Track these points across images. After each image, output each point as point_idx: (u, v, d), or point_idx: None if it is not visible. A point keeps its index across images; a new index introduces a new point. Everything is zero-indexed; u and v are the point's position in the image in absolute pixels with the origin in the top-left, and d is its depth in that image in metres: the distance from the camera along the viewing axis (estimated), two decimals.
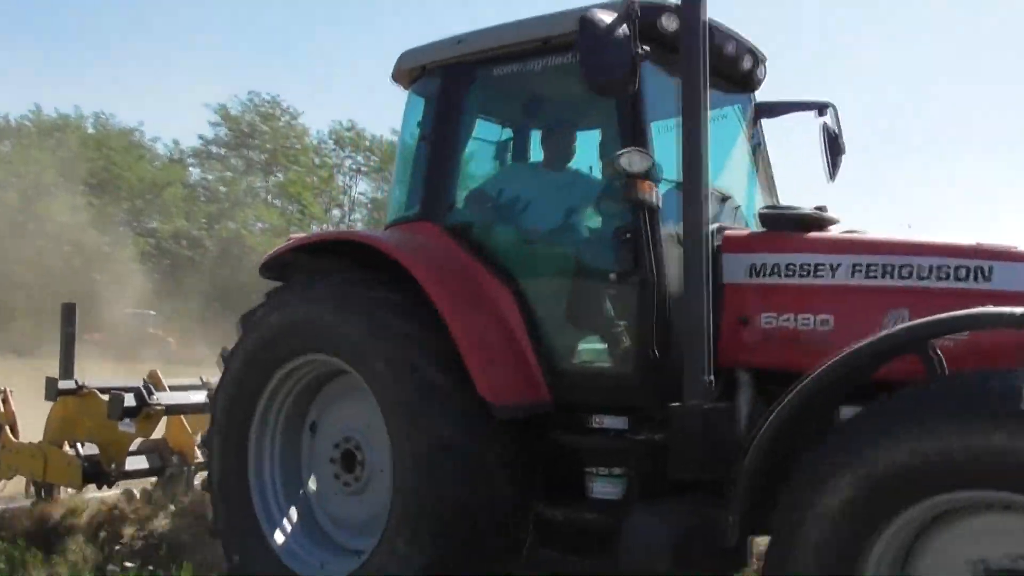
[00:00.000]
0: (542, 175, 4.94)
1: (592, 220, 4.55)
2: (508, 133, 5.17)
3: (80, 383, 6.19)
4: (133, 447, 6.12)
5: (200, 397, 6.10)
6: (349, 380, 4.94)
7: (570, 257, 4.52)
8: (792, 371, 3.95)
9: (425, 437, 4.14)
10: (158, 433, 6.28)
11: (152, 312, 39.76)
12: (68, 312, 6.81)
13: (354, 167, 60.59)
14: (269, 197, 56.78)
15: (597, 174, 4.82)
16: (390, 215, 5.32)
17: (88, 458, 5.84)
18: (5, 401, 6.51)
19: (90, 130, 51.72)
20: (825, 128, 5.36)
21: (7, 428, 6.43)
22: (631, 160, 3.83)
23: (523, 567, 4.20)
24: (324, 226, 59.44)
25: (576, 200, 4.61)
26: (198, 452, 6.18)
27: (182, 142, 57.05)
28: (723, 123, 5.12)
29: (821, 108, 5.32)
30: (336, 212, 60.81)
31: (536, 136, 5.14)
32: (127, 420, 5.73)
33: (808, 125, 5.44)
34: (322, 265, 5.02)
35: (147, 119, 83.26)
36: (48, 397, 6.21)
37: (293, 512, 5.05)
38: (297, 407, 5.10)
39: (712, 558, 3.76)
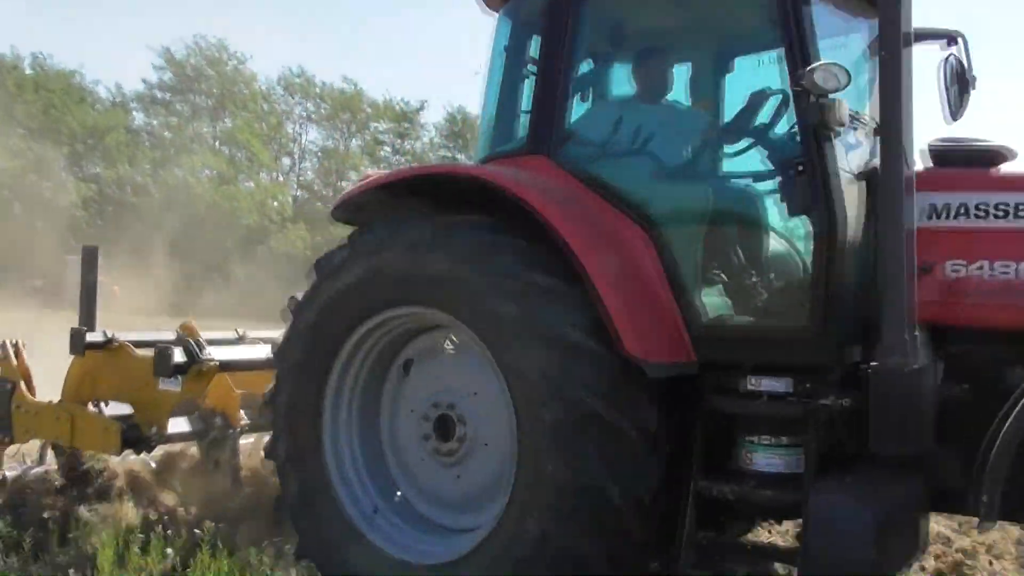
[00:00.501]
0: (677, 105, 4.33)
1: (749, 153, 3.98)
2: (629, 56, 4.54)
3: (110, 335, 5.45)
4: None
5: (254, 352, 5.41)
6: (442, 337, 4.37)
7: (719, 196, 3.95)
8: (986, 328, 3.51)
9: (562, 406, 3.56)
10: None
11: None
12: (90, 257, 6.02)
13: (304, 114, 58.78)
14: (216, 144, 54.79)
15: (741, 103, 4.23)
16: (481, 150, 4.66)
17: (126, 421, 5.13)
18: (18, 354, 5.74)
19: (27, 71, 49.06)
20: (951, 61, 4.84)
21: (22, 385, 5.66)
22: (825, 76, 3.29)
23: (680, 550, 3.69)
24: (274, 174, 57.90)
25: (723, 132, 4.06)
26: (242, 414, 5.52)
27: (125, 86, 54.76)
28: (846, 51, 4.59)
29: (950, 38, 4.80)
30: (286, 160, 59.15)
31: (665, 62, 4.50)
32: (171, 378, 5.04)
33: (927, 55, 4.94)
34: (406, 206, 4.39)
35: (87, 62, 79.79)
36: (74, 351, 5.44)
37: (376, 483, 4.48)
38: (381, 364, 4.50)
39: (904, 543, 3.34)
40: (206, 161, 52.63)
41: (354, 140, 59.63)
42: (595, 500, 3.56)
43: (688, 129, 4.16)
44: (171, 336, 6.16)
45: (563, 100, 4.22)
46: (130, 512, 5.13)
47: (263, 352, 5.34)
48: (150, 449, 5.25)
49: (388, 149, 59.78)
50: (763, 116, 3.85)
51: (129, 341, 5.46)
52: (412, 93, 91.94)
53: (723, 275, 3.92)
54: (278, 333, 6.72)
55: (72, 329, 5.48)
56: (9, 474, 5.73)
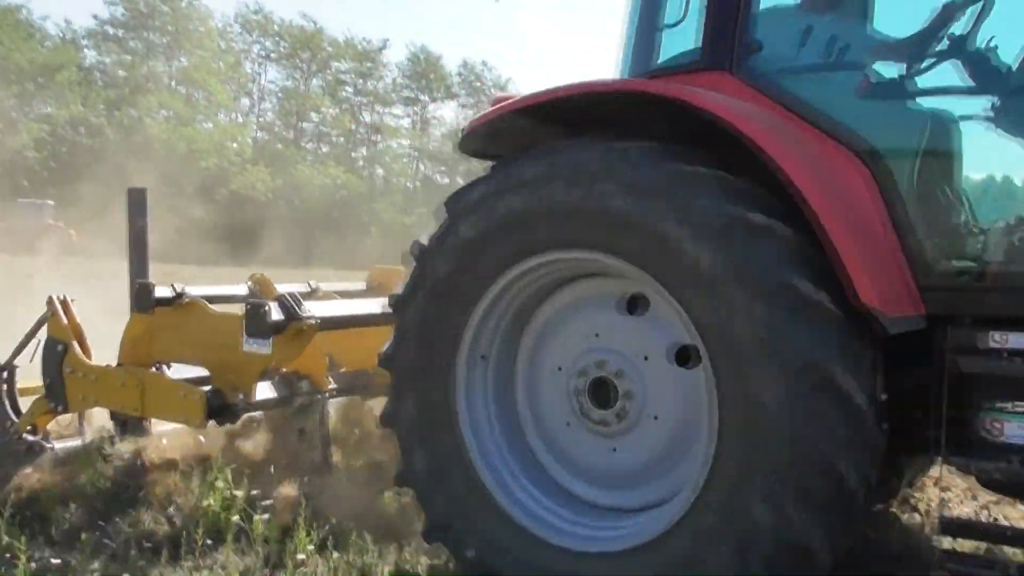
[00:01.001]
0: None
1: (991, 69, 3.38)
2: None
3: (179, 289, 4.73)
4: None
5: (355, 308, 4.73)
6: (599, 288, 3.76)
7: (948, 119, 3.37)
8: None
9: (785, 371, 2.94)
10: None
11: (50, 202, 36.74)
12: (138, 199, 5.26)
13: (262, 53, 56.69)
14: (173, 83, 52.64)
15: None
16: (634, 63, 3.97)
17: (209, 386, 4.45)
18: (67, 311, 4.99)
19: None
20: None
21: (75, 346, 4.94)
22: None
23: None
24: (233, 115, 55.97)
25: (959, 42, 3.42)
26: (330, 377, 4.88)
27: (75, 22, 52.18)
28: None
29: None
30: (245, 101, 57.17)
31: None
32: (260, 339, 4.37)
33: None
34: (549, 134, 3.74)
35: None
36: (141, 308, 4.71)
37: (516, 454, 3.90)
38: (523, 317, 3.89)
39: None
40: (162, 101, 50.71)
41: (315, 80, 57.84)
42: (825, 482, 2.97)
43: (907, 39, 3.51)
44: (241, 290, 5.48)
45: (748, 2, 3.57)
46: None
47: (365, 307, 4.66)
48: (235, 419, 4.59)
49: (350, 89, 58.12)
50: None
51: (203, 296, 4.75)
52: (374, 32, 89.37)
53: (958, 213, 3.36)
54: (349, 285, 6.12)
55: (139, 283, 4.73)
56: (61, 446, 5.04)
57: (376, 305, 4.67)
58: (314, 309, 4.34)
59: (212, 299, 4.79)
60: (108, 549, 4.11)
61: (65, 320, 4.96)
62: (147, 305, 4.66)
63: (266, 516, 4.16)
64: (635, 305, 3.64)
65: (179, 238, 36.15)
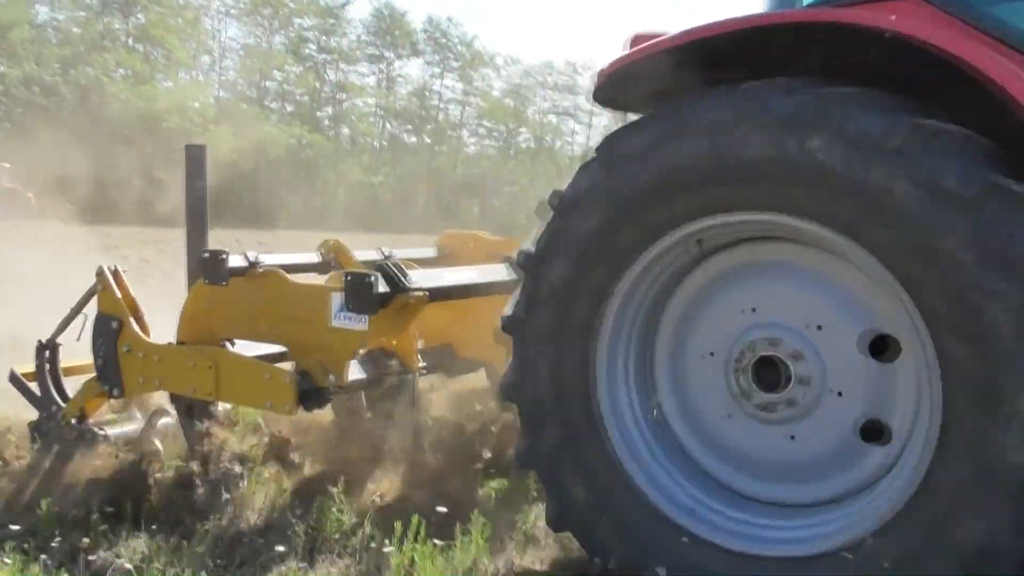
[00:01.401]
0: None
1: None
2: None
3: (252, 258, 4.21)
4: None
5: (462, 276, 4.23)
6: (758, 254, 3.34)
7: None
8: None
9: None
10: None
11: (6, 165, 35.44)
12: (196, 158, 4.69)
13: (223, 9, 54.81)
14: (130, 41, 50.64)
15: None
16: None
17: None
18: (120, 283, 4.45)
19: None
20: None
21: (131, 322, 4.42)
22: None
23: None
24: (194, 74, 54.23)
25: None
26: (419, 356, 4.42)
27: None
28: None
29: None
30: (206, 59, 55.37)
31: None
32: (355, 313, 3.88)
33: None
34: (694, 80, 3.30)
35: None
36: (213, 279, 4.18)
37: (661, 439, 3.51)
38: (671, 286, 3.48)
39: None
40: (119, 59, 48.86)
41: (277, 37, 56.19)
42: None
43: None
44: (311, 258, 4.99)
45: None
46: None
47: (469, 276, 4.19)
48: (324, 404, 4.12)
49: (313, 47, 56.59)
50: None
51: (279, 265, 4.25)
52: None
53: None
54: (417, 252, 5.62)
55: (209, 252, 4.20)
56: (116, 432, 4.54)
57: (472, 273, 4.23)
58: (421, 280, 3.85)
59: (297, 268, 4.31)
60: (187, 550, 3.67)
61: (119, 293, 4.44)
62: (220, 276, 4.14)
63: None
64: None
65: (141, 200, 35.18)
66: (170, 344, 4.34)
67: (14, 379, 4.87)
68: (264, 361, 4.10)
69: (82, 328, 4.71)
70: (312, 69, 55.87)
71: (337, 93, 57.76)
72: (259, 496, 4.05)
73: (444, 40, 59.45)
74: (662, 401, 3.52)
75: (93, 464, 4.32)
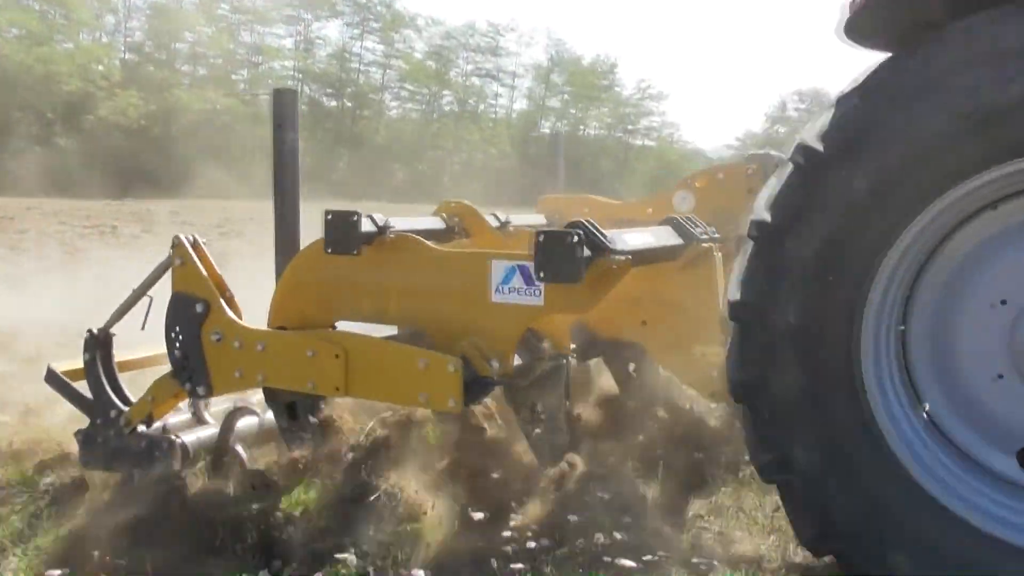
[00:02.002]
0: None
1: None
2: None
3: (381, 222, 3.41)
4: None
5: (657, 238, 3.49)
6: None
7: None
8: None
9: None
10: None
11: None
12: (288, 105, 3.80)
13: None
14: None
15: None
16: None
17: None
18: (203, 258, 3.60)
19: None
20: None
21: (222, 304, 3.59)
22: None
23: None
24: (97, 35, 51.13)
25: None
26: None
27: None
28: None
29: None
30: (110, 19, 52.18)
31: None
32: (528, 285, 3.16)
33: None
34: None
35: None
36: (341, 247, 3.36)
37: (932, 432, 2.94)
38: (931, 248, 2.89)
39: None
40: (13, 19, 45.65)
41: None
42: None
43: None
44: (435, 223, 4.23)
45: None
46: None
47: (651, 239, 3.47)
48: (483, 397, 3.40)
49: (226, 7, 53.95)
50: None
51: (411, 230, 3.47)
52: None
53: None
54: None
55: (334, 213, 3.36)
56: (191, 438, 3.74)
57: (650, 237, 3.53)
58: (621, 241, 3.13)
59: (431, 233, 3.56)
60: None
61: (203, 269, 3.61)
62: (350, 243, 3.34)
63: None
64: None
65: (41, 169, 32.87)
66: (280, 330, 3.54)
67: (53, 379, 3.98)
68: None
69: (147, 313, 3.87)
70: (226, 31, 53.25)
71: (253, 56, 55.32)
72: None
73: (364, 1, 57.45)
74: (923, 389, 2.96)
75: (174, 485, 3.51)
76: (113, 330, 3.92)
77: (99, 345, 3.91)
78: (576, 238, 2.95)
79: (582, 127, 63.35)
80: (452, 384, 3.14)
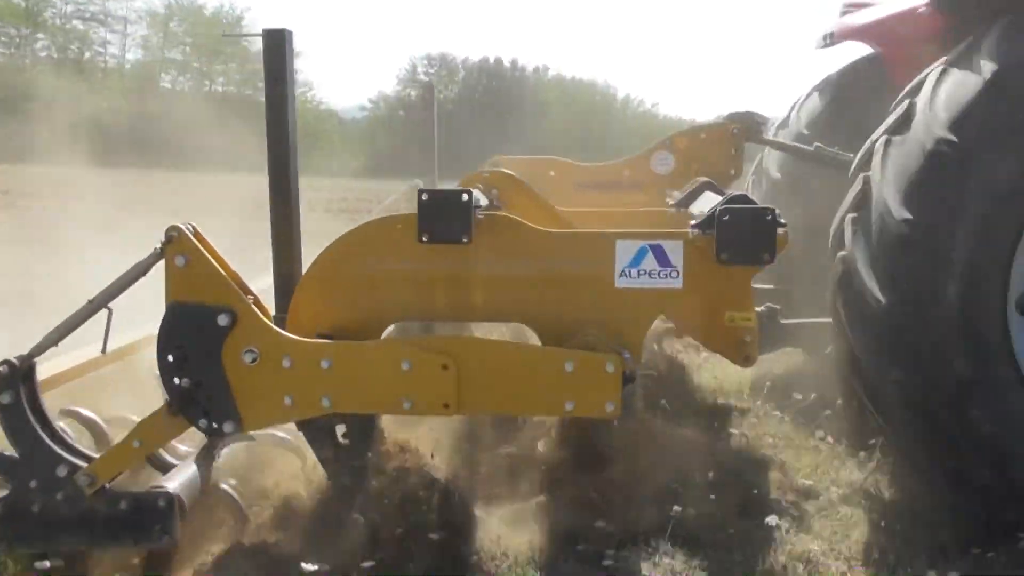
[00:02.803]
0: None
1: None
2: None
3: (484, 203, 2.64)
4: None
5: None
6: None
7: None
8: None
9: None
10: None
11: None
12: (280, 44, 2.81)
13: None
14: None
15: None
16: None
17: None
18: (210, 250, 2.58)
19: None
20: None
21: (254, 312, 2.62)
22: None
23: None
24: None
25: None
26: None
27: None
28: None
29: None
30: None
31: None
32: (669, 268, 2.69)
33: None
34: None
35: None
36: (447, 235, 2.59)
37: None
38: None
39: None
40: None
41: None
42: None
43: None
44: (479, 197, 3.51)
45: None
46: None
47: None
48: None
49: None
50: None
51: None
52: None
53: None
54: None
55: (431, 191, 2.56)
56: (173, 485, 2.80)
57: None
58: None
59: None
60: None
61: (220, 269, 2.68)
62: (461, 229, 2.64)
63: None
64: None
65: None
66: (353, 341, 2.75)
67: None
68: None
69: (107, 332, 2.80)
70: None
71: None
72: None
73: None
74: None
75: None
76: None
77: (22, 380, 2.77)
78: (771, 215, 2.64)
79: (208, 83, 59.03)
80: (611, 386, 2.65)
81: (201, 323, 2.65)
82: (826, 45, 4.98)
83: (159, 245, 2.66)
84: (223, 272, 2.67)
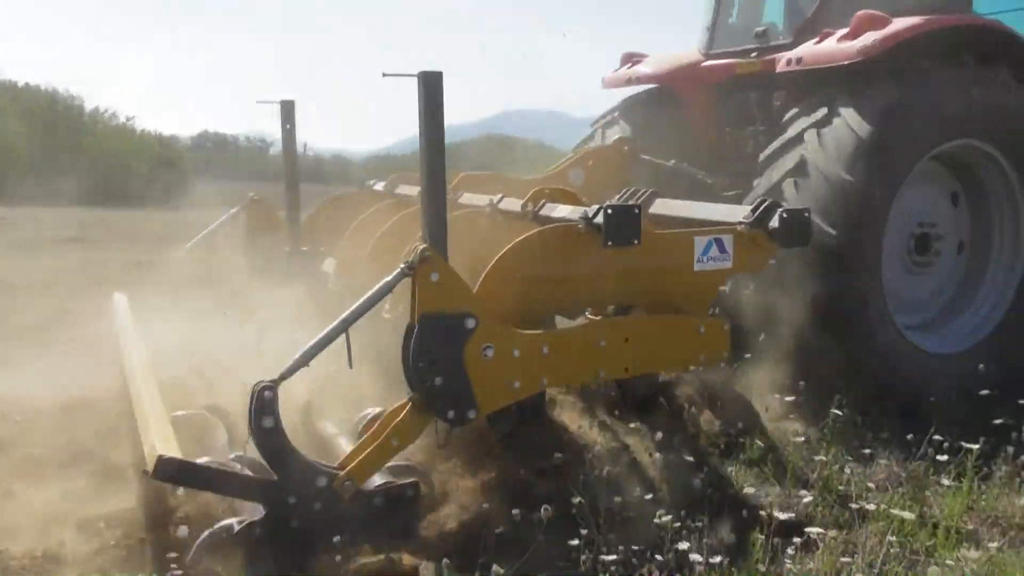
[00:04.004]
0: None
1: None
2: None
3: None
4: None
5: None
6: None
7: None
8: None
9: None
10: None
11: None
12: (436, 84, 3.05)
13: None
14: None
15: None
16: None
17: None
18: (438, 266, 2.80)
19: None
20: None
21: (487, 309, 2.89)
22: None
23: None
24: None
25: None
26: None
27: None
28: None
29: None
30: None
31: None
32: (720, 252, 3.55)
33: None
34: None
35: None
36: (623, 239, 3.06)
37: None
38: None
39: None
40: None
41: None
42: None
43: None
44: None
45: None
46: None
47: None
48: None
49: None
50: None
51: None
52: None
53: None
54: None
55: (612, 208, 3.08)
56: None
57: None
58: None
59: None
60: None
61: (462, 280, 3.06)
62: (632, 234, 3.31)
63: None
64: None
65: None
66: (564, 328, 3.38)
67: (183, 472, 2.78)
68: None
69: (349, 348, 2.99)
70: None
71: None
72: None
73: None
74: None
75: None
76: None
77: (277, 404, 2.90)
78: (808, 213, 3.73)
79: None
80: (726, 340, 3.61)
81: (450, 329, 3.04)
82: (628, 83, 6.26)
83: (404, 265, 2.98)
84: (465, 283, 3.08)
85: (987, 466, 3.73)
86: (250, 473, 2.99)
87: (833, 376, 4.26)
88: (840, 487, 3.62)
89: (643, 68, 6.26)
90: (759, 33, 5.73)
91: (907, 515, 3.23)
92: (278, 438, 2.89)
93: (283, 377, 2.90)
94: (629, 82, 6.28)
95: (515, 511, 3.12)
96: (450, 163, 3.19)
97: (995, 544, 3.16)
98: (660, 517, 3.04)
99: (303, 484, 2.91)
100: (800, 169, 4.51)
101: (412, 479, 3.11)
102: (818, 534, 3.10)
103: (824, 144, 4.46)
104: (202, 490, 2.96)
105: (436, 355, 3.04)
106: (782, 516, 3.14)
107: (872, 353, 4.51)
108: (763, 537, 2.99)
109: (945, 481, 3.65)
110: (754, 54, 5.69)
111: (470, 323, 3.06)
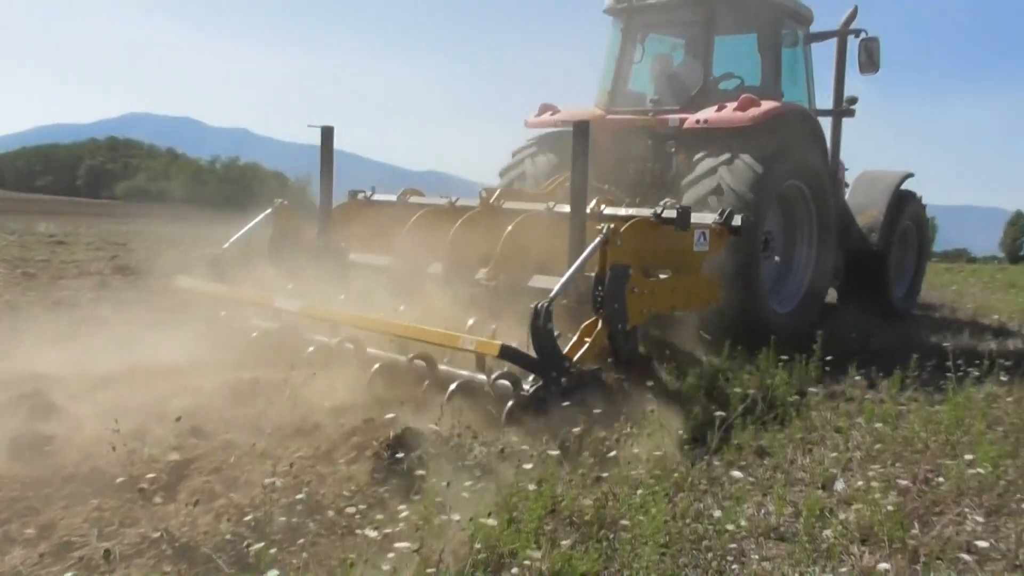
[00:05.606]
0: None
1: None
2: None
3: (661, 211, 5.65)
4: None
5: None
6: None
7: None
8: None
9: None
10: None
11: None
12: (585, 132, 4.96)
13: None
14: None
15: None
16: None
17: None
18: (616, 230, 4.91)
19: None
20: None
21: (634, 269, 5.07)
22: None
23: None
24: None
25: None
26: None
27: None
28: None
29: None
30: None
31: None
32: (705, 241, 6.06)
33: None
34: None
35: None
36: (682, 226, 5.51)
37: None
38: None
39: None
40: None
41: None
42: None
43: None
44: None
45: None
46: None
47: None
48: None
49: None
50: None
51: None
52: None
53: None
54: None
55: (680, 207, 5.41)
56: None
57: None
58: None
59: None
60: None
61: (624, 246, 5.26)
62: (686, 224, 5.70)
63: None
64: None
65: None
66: (660, 278, 5.63)
67: (508, 353, 4.66)
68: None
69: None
70: None
71: None
72: None
73: None
74: None
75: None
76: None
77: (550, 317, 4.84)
78: (753, 217, 6.38)
79: None
80: (719, 292, 6.16)
81: (623, 275, 5.19)
82: (553, 125, 8.58)
83: (601, 235, 5.11)
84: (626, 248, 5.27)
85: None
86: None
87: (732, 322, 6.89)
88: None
89: (562, 115, 8.63)
90: (654, 100, 8.40)
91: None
92: (550, 337, 4.82)
93: (551, 300, 4.85)
94: (555, 124, 8.58)
95: None
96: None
97: None
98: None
99: (555, 365, 4.87)
100: (718, 190, 7.16)
101: (598, 367, 5.17)
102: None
103: (733, 174, 7.15)
104: (513, 363, 4.74)
105: (615, 290, 5.17)
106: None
107: (757, 309, 7.26)
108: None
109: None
110: (649, 114, 8.32)
111: (630, 271, 5.25)
